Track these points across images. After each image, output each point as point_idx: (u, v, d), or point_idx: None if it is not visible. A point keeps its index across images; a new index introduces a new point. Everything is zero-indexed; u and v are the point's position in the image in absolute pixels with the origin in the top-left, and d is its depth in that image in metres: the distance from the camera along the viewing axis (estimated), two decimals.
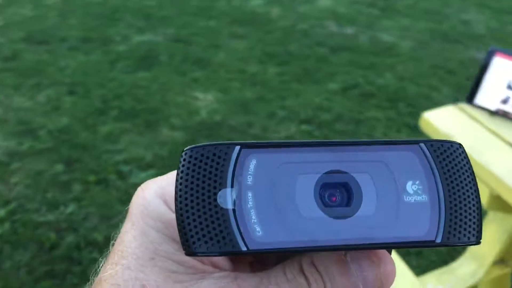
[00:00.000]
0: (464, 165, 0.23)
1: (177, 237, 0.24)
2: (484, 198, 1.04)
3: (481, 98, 1.07)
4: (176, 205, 0.21)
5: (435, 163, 0.22)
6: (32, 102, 2.32)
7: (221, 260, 0.26)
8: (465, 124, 1.04)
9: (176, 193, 0.21)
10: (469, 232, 0.22)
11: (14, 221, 1.71)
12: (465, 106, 1.09)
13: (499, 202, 1.01)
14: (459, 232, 0.21)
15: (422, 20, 3.38)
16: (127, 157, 2.04)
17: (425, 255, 1.66)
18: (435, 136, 1.04)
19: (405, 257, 1.63)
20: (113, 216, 1.76)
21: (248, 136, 2.14)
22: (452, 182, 0.22)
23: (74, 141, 2.10)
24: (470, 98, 1.07)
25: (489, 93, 1.06)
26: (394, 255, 1.19)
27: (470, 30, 3.28)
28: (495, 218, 1.11)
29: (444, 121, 1.05)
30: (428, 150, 0.23)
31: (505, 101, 1.04)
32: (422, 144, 0.23)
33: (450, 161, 0.23)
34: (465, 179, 0.23)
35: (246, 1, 3.51)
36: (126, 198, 1.83)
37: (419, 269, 1.56)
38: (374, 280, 0.23)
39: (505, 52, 1.05)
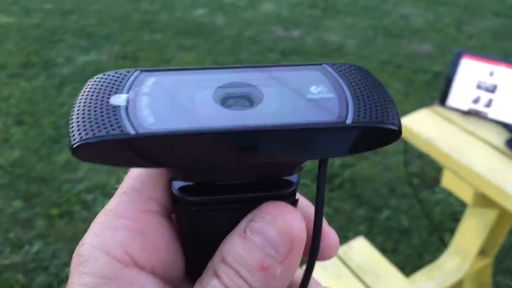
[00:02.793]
0: (365, 72, 0.23)
1: None
2: (469, 197, 1.07)
3: (453, 99, 1.10)
4: (71, 110, 0.21)
5: (338, 74, 0.23)
6: None
7: None
8: (442, 126, 1.07)
9: (71, 112, 0.21)
10: (382, 114, 0.21)
11: None
12: (438, 108, 1.12)
13: (483, 199, 1.04)
14: (370, 114, 0.21)
15: (363, 18, 3.46)
16: (89, 185, 1.97)
17: (401, 251, 1.70)
18: (416, 142, 1.06)
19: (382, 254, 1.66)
20: None
21: None
22: (356, 82, 0.22)
23: (30, 174, 2.00)
24: (442, 100, 1.11)
25: (460, 94, 1.09)
26: (376, 257, 1.21)
27: (410, 24, 3.39)
28: (475, 212, 1.15)
29: (421, 125, 1.08)
30: (331, 68, 0.23)
31: (476, 101, 1.08)
32: (324, 64, 0.23)
33: (352, 72, 0.23)
34: (368, 79, 0.23)
35: (189, 11, 3.48)
36: None
37: (398, 265, 1.60)
38: (278, 237, 0.21)
39: (471, 54, 1.09)
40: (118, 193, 0.24)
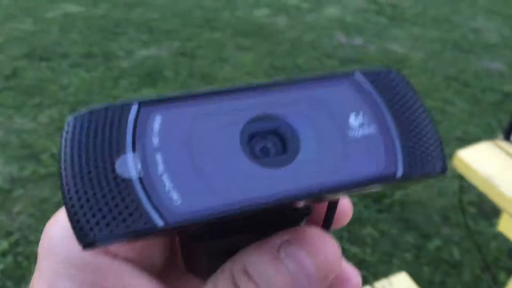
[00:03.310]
0: (408, 89, 0.20)
1: (97, 282, 0.20)
2: None
3: None
4: (61, 187, 0.16)
5: (376, 91, 0.19)
6: (34, 124, 2.24)
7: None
8: (504, 164, 0.97)
9: (60, 174, 0.16)
10: (432, 160, 0.19)
11: (17, 254, 1.63)
12: (502, 142, 1.01)
13: None
14: (421, 162, 0.18)
15: (431, 29, 3.30)
16: None
17: (449, 286, 1.58)
18: (473, 178, 0.96)
19: (429, 287, 1.55)
20: None
21: None
22: (399, 108, 0.19)
23: None
24: (507, 134, 1.00)
25: None
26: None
27: (482, 38, 3.20)
28: None
29: (481, 160, 0.97)
30: (366, 79, 0.20)
31: None
32: (357, 73, 0.20)
33: (391, 87, 0.20)
34: (412, 104, 0.20)
35: (251, 11, 3.44)
36: None
37: None
38: (315, 271, 0.19)
39: None
40: None
